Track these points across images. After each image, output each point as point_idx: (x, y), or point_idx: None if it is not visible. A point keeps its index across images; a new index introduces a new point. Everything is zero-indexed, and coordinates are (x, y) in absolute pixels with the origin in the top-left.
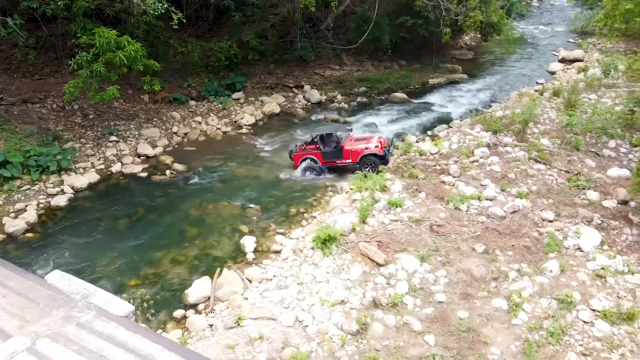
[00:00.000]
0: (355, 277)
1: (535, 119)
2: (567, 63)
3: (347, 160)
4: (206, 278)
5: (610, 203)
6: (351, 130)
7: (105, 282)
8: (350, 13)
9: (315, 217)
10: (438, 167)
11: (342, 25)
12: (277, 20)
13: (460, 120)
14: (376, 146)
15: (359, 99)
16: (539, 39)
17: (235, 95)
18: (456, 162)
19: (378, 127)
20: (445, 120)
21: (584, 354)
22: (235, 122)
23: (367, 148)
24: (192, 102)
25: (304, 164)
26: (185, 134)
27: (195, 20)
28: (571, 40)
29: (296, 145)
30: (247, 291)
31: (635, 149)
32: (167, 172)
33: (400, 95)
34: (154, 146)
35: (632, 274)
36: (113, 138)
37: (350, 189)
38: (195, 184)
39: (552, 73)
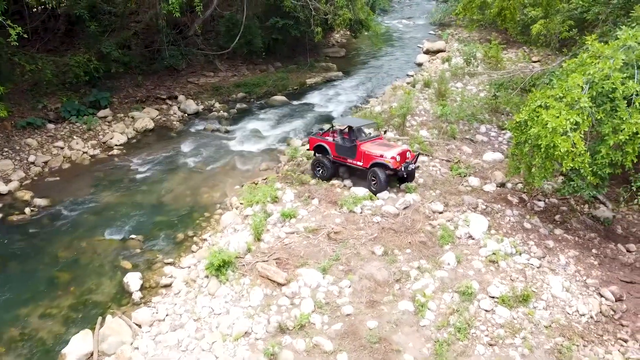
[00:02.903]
0: (256, 302)
1: (412, 112)
2: (431, 54)
3: (358, 163)
4: (87, 331)
5: (490, 187)
6: (385, 131)
7: None
8: (218, 17)
9: (206, 240)
10: None
11: (211, 30)
12: (140, 28)
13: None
14: (392, 157)
15: (238, 106)
16: (404, 32)
17: (102, 113)
18: None
19: (262, 133)
20: (327, 119)
21: (490, 344)
22: (104, 143)
23: (381, 156)
24: (51, 125)
25: (316, 158)
26: (46, 162)
27: (44, 33)
28: (432, 32)
29: (321, 129)
30: (137, 339)
31: (503, 131)
32: (27, 209)
33: (280, 98)
34: (7, 181)
35: (520, 254)
36: None
37: (241, 203)
38: (63, 219)
39: (420, 64)
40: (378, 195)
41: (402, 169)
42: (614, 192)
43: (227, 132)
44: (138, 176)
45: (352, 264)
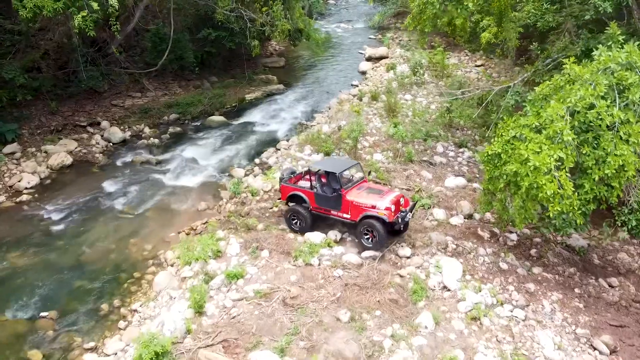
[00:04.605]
0: None
1: (364, 132)
2: (374, 61)
3: (345, 215)
4: None
5: (457, 220)
6: (369, 173)
7: None
8: (143, 30)
9: (136, 312)
10: (276, 210)
11: (135, 46)
12: (51, 47)
13: (287, 140)
14: (387, 208)
15: (171, 129)
16: (343, 37)
17: (8, 148)
18: None
19: (199, 163)
20: (271, 141)
21: None
22: (10, 187)
23: (373, 207)
24: None
25: (290, 208)
26: None
27: None
28: (372, 36)
29: (292, 172)
30: None
31: (461, 149)
32: None
33: (217, 118)
34: None
35: (502, 304)
36: None
37: (177, 258)
38: None
39: (363, 73)
40: (330, 236)
41: (399, 220)
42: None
43: (159, 163)
44: (53, 228)
45: (314, 337)
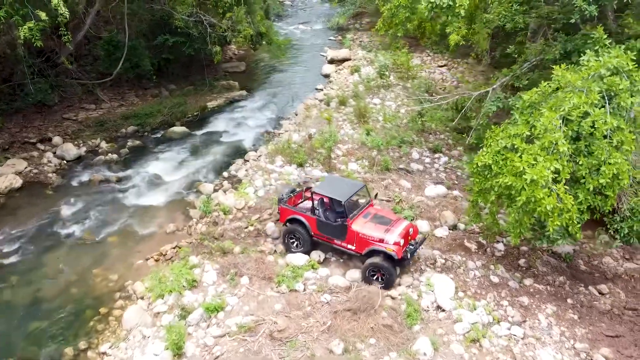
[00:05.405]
0: None
1: (337, 141)
2: (337, 63)
3: (350, 247)
4: None
5: (442, 232)
6: (376, 196)
7: None
8: (95, 38)
9: (105, 355)
10: (252, 229)
11: (87, 54)
12: None
13: (256, 151)
14: (396, 242)
15: (130, 143)
16: (303, 39)
17: None
18: (271, 216)
19: (163, 179)
20: (238, 151)
21: None
22: None
23: (381, 241)
24: None
25: (289, 228)
26: None
27: None
28: (332, 37)
29: (292, 192)
30: None
31: (436, 155)
32: None
33: (179, 129)
34: None
35: (498, 322)
36: None
37: (148, 290)
38: None
39: (327, 76)
40: (314, 257)
41: (408, 256)
42: None
43: (119, 181)
44: (3, 262)
45: None
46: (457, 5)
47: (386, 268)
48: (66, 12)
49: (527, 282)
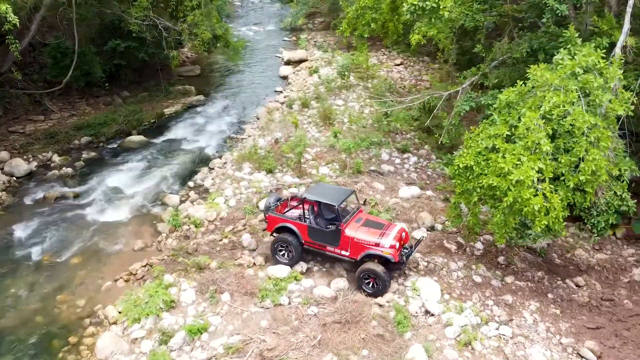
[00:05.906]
0: None
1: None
2: (294, 64)
3: (344, 252)
4: None
5: (420, 233)
6: (364, 202)
7: None
8: (40, 44)
9: None
10: (227, 242)
11: (33, 62)
12: None
13: (220, 158)
14: (392, 245)
15: (85, 155)
16: (256, 40)
17: None
18: (245, 226)
19: (125, 192)
20: (202, 159)
21: None
22: None
23: (377, 245)
24: None
25: (278, 237)
26: None
27: None
28: (286, 38)
29: (278, 200)
30: None
31: (405, 155)
32: None
33: (136, 138)
34: None
35: (486, 322)
36: None
37: (122, 314)
38: None
39: (285, 77)
40: (296, 268)
41: (404, 259)
42: None
43: (77, 197)
44: None
45: None
46: (441, 7)
47: (379, 275)
48: (16, 20)
49: (509, 279)
